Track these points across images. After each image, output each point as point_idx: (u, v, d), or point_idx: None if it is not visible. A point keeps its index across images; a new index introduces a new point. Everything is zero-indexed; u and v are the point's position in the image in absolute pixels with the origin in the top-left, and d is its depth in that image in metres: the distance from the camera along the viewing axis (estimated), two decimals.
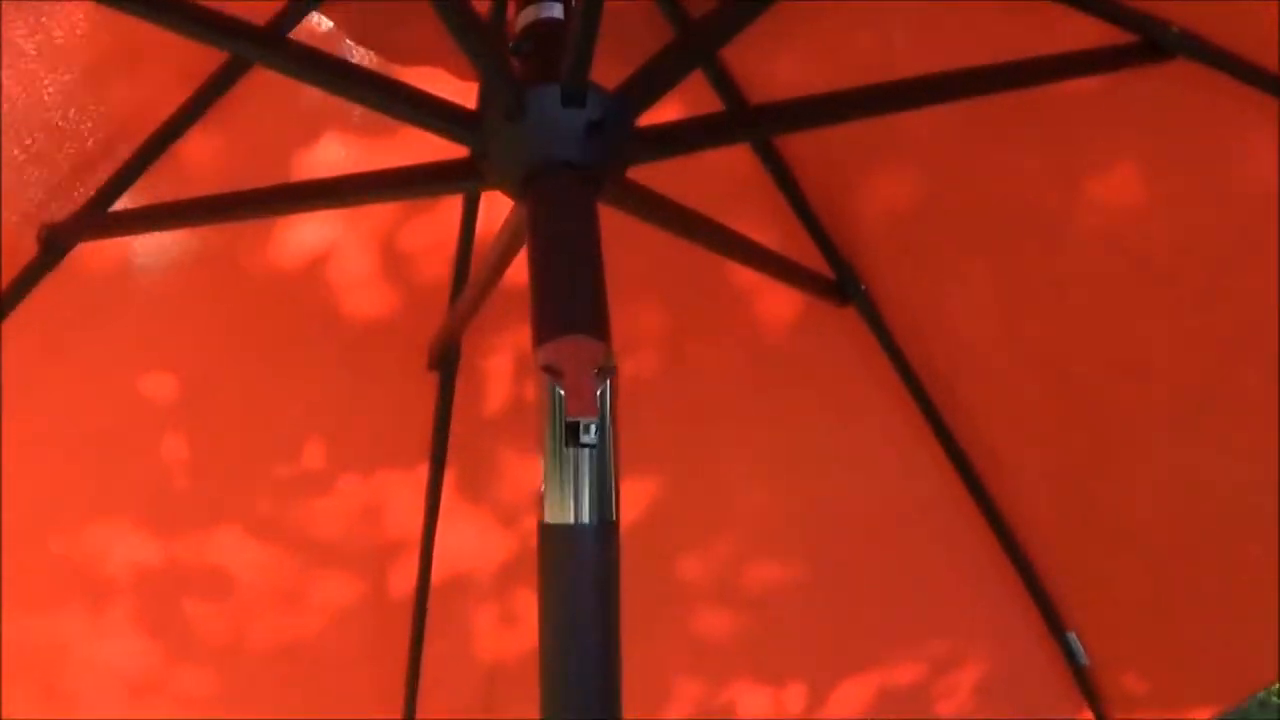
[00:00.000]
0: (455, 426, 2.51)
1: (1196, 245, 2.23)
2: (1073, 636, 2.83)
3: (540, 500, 1.30)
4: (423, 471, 2.54)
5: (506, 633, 2.77)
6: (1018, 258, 2.34)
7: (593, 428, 1.27)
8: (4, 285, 2.11)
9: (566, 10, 1.61)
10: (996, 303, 2.42)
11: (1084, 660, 2.86)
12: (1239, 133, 2.07)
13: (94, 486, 2.41)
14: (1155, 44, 1.96)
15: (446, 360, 2.39)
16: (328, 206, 2.03)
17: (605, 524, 1.28)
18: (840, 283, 2.34)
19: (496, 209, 2.30)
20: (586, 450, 1.27)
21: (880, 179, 2.31)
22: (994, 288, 2.39)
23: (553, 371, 1.28)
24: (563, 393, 1.27)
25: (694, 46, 1.49)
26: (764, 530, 2.71)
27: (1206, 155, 2.13)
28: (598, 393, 1.28)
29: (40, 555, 2.37)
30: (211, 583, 2.55)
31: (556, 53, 1.54)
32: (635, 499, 2.62)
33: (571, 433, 1.26)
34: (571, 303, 1.33)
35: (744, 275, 2.36)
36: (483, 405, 2.50)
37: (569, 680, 1.29)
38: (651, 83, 1.49)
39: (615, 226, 1.53)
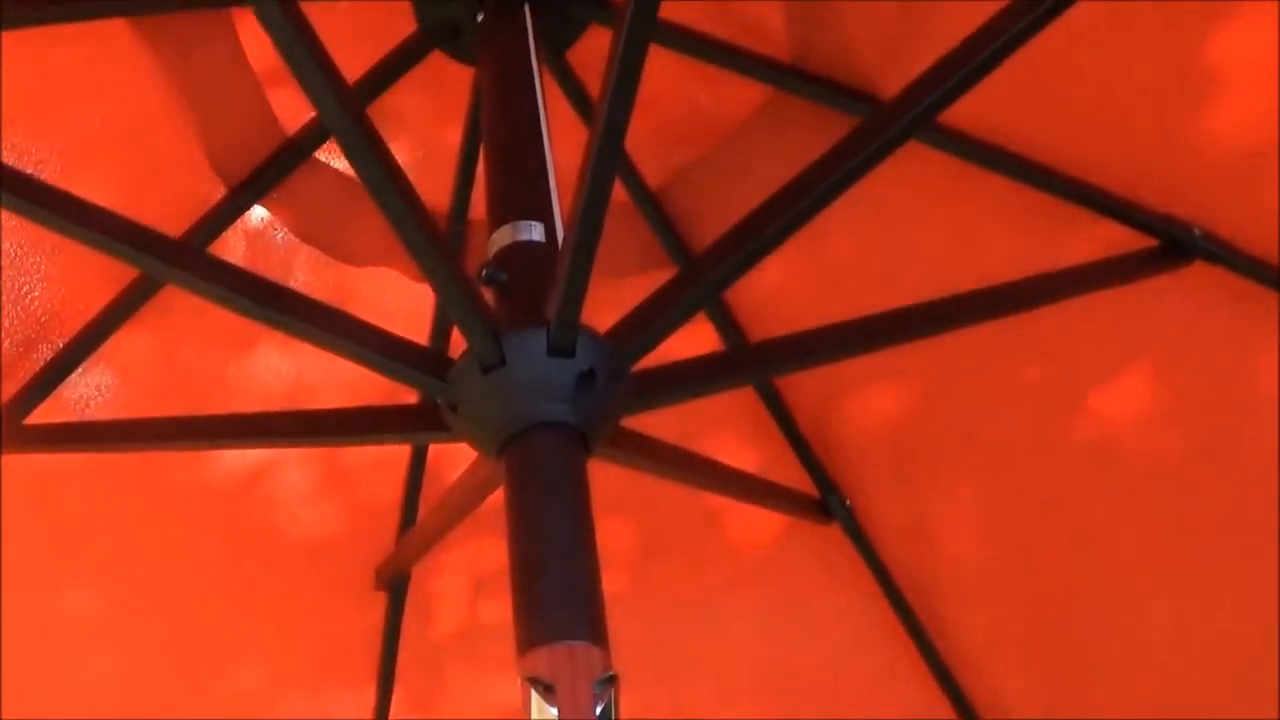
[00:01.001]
0: (404, 647, 2.26)
1: (1204, 460, 2.05)
2: None
3: None
4: (370, 692, 2.29)
5: None
6: (1012, 472, 2.16)
7: None
8: None
9: (548, 233, 1.39)
10: (985, 519, 2.23)
11: None
12: (1255, 337, 1.91)
13: (13, 710, 2.14)
14: (1176, 247, 1.80)
15: (395, 582, 2.14)
16: (268, 445, 1.79)
17: None
18: (824, 500, 2.13)
19: None
20: None
21: (868, 392, 2.12)
22: (983, 503, 2.20)
23: (543, 687, 1.03)
24: (555, 713, 1.02)
25: (699, 285, 1.26)
26: None
27: (1219, 361, 1.96)
28: (598, 711, 1.04)
29: None
30: None
31: (538, 285, 1.31)
32: None
33: None
34: (563, 601, 1.09)
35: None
36: (432, 626, 2.26)
37: None
38: (650, 327, 1.27)
39: None
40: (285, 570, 2.16)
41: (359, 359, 1.28)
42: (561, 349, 1.21)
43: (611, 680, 1.07)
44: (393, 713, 2.32)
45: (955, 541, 2.23)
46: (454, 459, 2.06)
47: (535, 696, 1.04)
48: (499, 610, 2.25)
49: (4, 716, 2.13)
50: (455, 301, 1.21)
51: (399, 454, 2.08)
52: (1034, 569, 2.22)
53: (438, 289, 1.23)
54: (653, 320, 1.26)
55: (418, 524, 2.01)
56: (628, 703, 2.34)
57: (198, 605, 2.18)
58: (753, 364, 1.43)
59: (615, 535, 2.18)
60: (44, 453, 1.89)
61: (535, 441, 1.20)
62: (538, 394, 1.21)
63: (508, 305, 1.30)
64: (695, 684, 2.37)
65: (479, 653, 2.27)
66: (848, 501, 2.17)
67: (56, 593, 2.13)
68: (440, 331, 1.93)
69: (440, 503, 1.63)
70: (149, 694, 2.24)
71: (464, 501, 1.48)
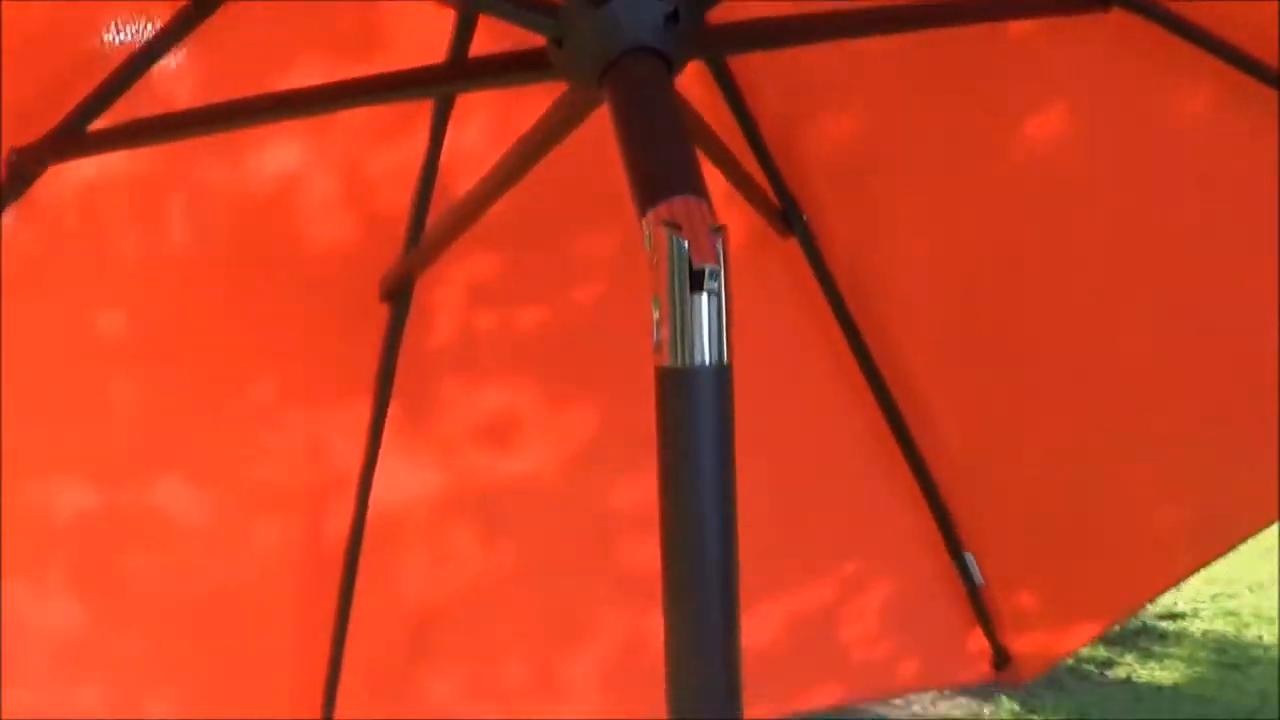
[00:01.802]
0: (402, 359, 2.58)
1: (1122, 178, 2.48)
2: (970, 558, 3.05)
3: (658, 349, 1.43)
4: (367, 405, 2.60)
5: (438, 571, 2.85)
6: (951, 193, 2.56)
7: (713, 275, 1.41)
8: None
9: None
10: (928, 236, 2.63)
11: (979, 581, 3.08)
12: (1170, 80, 2.32)
13: (46, 433, 2.41)
14: None
15: (401, 292, 2.48)
16: (360, 105, 2.09)
17: (722, 366, 1.43)
18: (785, 213, 2.52)
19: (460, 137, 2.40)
20: (707, 296, 1.41)
21: (828, 114, 2.49)
22: (927, 221, 2.60)
23: (673, 226, 1.41)
24: (686, 244, 1.40)
25: None
26: None
27: (1136, 97, 2.38)
28: (716, 245, 1.42)
29: None
30: (152, 530, 2.57)
31: None
32: (573, 433, 2.76)
33: (696, 280, 1.40)
34: (678, 167, 1.47)
35: None
36: (430, 337, 2.58)
37: (689, 516, 1.43)
38: None
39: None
40: (300, 283, 2.46)
41: (477, 5, 1.63)
42: None
43: (721, 229, 1.44)
44: (389, 424, 2.65)
45: (900, 259, 2.64)
46: (465, 172, 2.38)
47: (669, 238, 1.42)
48: (495, 321, 2.60)
49: (28, 448, 2.38)
50: None
51: (416, 164, 2.40)
52: (969, 284, 2.65)
53: None
54: None
55: (442, 218, 2.32)
56: (594, 416, 2.70)
57: (214, 319, 2.44)
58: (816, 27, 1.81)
59: (597, 242, 2.55)
60: (96, 153, 2.16)
61: (635, 61, 1.57)
62: (635, 25, 1.58)
63: None
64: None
65: (475, 364, 2.62)
66: (806, 218, 2.57)
67: (89, 312, 2.38)
68: None
69: (498, 166, 1.96)
70: (164, 410, 2.50)
71: (547, 137, 1.82)
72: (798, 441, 2.85)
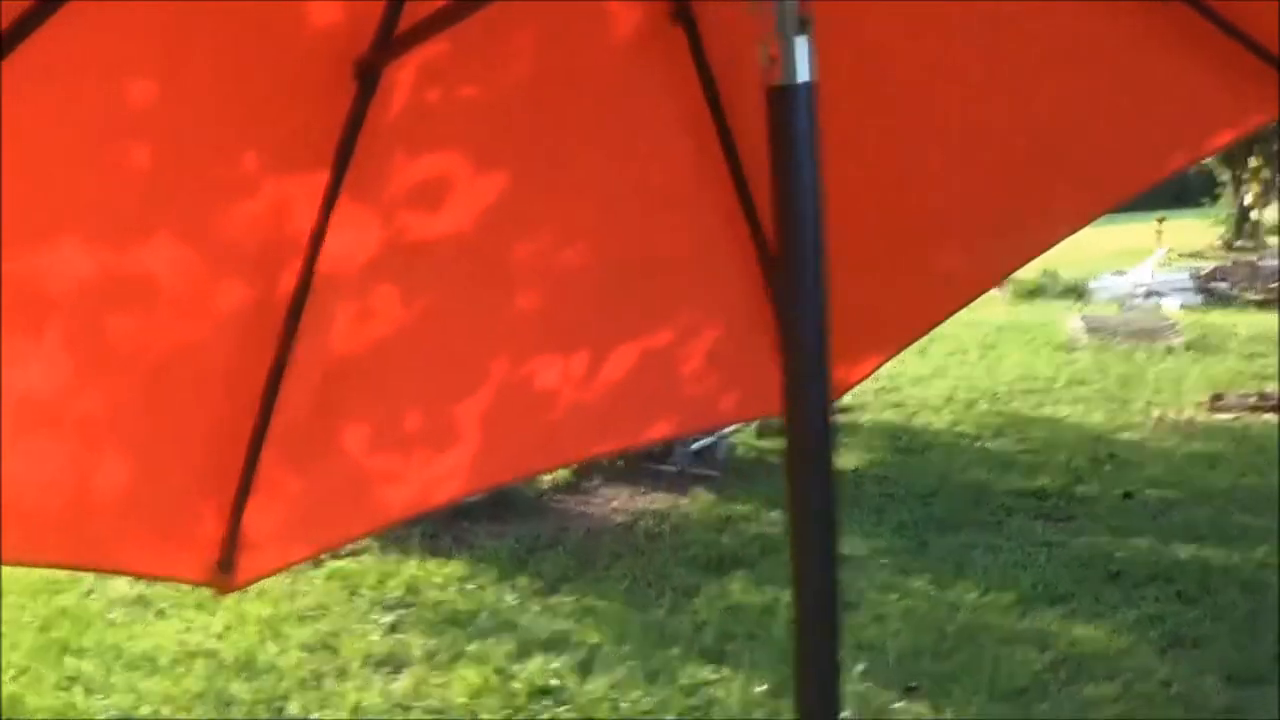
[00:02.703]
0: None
1: None
2: None
3: (769, 70, 2.24)
4: (327, 173, 3.16)
5: (360, 327, 3.47)
6: None
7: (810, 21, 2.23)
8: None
9: None
10: None
11: None
12: None
13: (61, 198, 2.87)
14: None
15: (370, 73, 3.14)
16: None
17: (813, 84, 2.26)
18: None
19: None
20: (806, 38, 2.23)
21: None
22: None
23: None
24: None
25: None
26: (578, 218, 3.63)
27: None
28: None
29: None
30: (136, 293, 3.05)
31: None
32: (489, 197, 3.49)
33: (803, 25, 2.22)
34: None
35: None
36: (386, 112, 3.22)
37: (795, 188, 2.26)
38: None
39: None
40: (283, 58, 2.97)
41: None
42: None
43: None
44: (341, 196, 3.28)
45: None
46: None
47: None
48: (440, 97, 3.28)
49: (42, 211, 2.87)
50: None
51: None
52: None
53: None
54: None
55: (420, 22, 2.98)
56: (504, 179, 3.44)
57: (207, 94, 2.95)
58: None
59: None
60: None
61: None
62: None
63: None
64: (562, 164, 3.51)
65: (423, 134, 3.29)
66: None
67: (87, 83, 2.81)
68: None
69: None
70: (167, 183, 2.98)
71: None
72: (660, 204, 3.64)
